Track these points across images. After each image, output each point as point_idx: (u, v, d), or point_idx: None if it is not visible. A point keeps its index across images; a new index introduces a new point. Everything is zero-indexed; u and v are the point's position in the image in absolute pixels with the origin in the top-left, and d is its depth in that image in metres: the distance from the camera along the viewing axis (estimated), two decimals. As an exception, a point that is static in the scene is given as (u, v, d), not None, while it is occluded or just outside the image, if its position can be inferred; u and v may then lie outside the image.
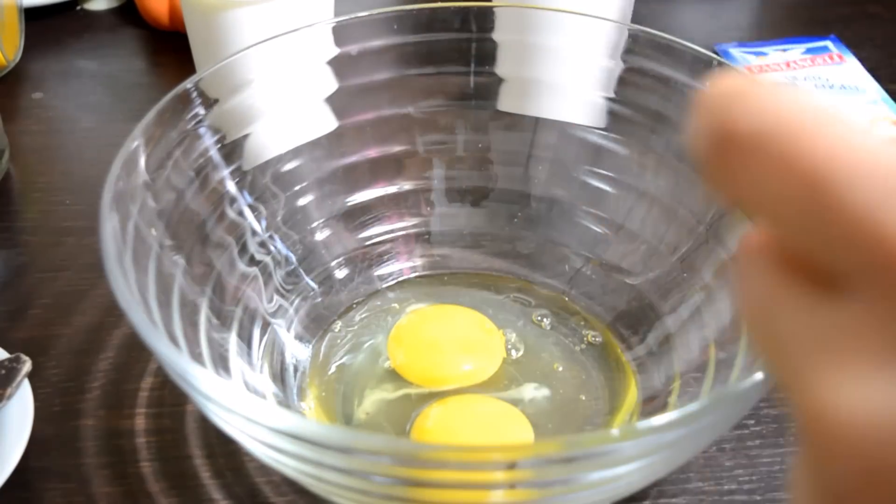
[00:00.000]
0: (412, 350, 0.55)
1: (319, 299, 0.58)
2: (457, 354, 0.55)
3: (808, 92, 0.19)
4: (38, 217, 0.70)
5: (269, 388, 0.51)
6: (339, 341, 0.57)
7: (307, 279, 0.58)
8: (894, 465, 0.16)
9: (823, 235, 0.18)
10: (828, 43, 0.89)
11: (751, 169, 0.19)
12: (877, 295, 0.17)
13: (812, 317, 0.19)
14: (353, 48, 0.57)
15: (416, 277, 0.61)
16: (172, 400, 0.55)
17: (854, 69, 0.85)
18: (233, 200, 0.54)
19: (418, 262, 0.62)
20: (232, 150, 0.54)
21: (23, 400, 0.51)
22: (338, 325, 0.57)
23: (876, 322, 0.17)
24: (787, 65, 0.86)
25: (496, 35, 0.58)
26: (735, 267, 0.21)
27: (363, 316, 0.58)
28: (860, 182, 0.17)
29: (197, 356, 0.46)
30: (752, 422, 0.53)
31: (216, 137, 0.52)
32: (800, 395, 0.18)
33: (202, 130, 0.51)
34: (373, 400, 0.53)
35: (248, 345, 0.52)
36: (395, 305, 0.59)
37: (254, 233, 0.55)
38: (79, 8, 0.95)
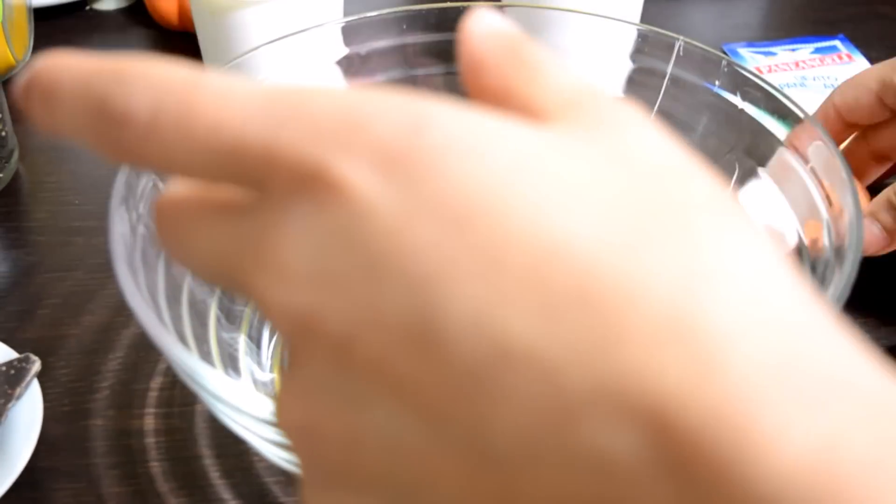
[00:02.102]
0: None
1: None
2: None
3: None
4: (48, 217, 0.70)
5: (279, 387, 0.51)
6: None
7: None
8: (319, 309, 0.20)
9: (235, 167, 0.21)
10: (836, 42, 0.89)
11: (157, 142, 0.21)
12: (280, 192, 0.20)
13: (232, 227, 0.22)
14: (362, 48, 0.57)
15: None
16: (182, 400, 0.55)
17: (863, 69, 0.85)
18: (242, 200, 0.54)
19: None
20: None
21: (32, 400, 0.51)
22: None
23: (279, 220, 0.20)
24: (796, 64, 0.86)
25: (505, 35, 0.58)
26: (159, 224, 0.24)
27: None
28: (250, 118, 0.20)
29: (206, 356, 0.46)
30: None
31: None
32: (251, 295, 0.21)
33: (211, 130, 0.51)
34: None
35: (258, 344, 0.52)
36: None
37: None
38: (88, 8, 0.96)
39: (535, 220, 0.19)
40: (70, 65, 0.22)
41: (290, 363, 0.21)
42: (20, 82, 0.23)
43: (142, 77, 0.21)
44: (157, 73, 0.21)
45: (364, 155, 0.19)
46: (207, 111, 0.20)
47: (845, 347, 0.19)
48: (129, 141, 0.21)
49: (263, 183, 0.21)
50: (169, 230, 0.24)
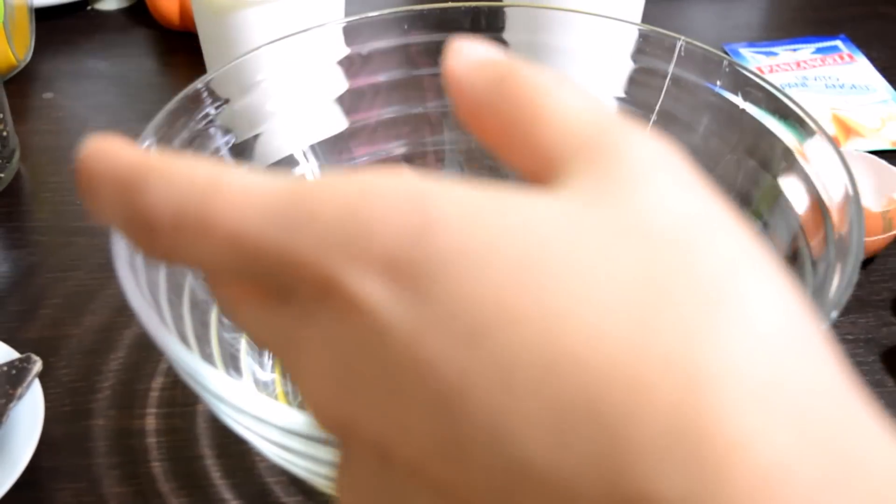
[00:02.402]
0: None
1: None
2: None
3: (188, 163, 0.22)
4: (49, 217, 0.70)
5: (280, 387, 0.51)
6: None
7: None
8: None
9: (259, 268, 0.21)
10: (838, 42, 0.89)
11: (183, 245, 0.21)
12: (305, 297, 0.21)
13: (272, 317, 0.22)
14: (364, 48, 0.57)
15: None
16: (183, 400, 0.55)
17: (864, 69, 0.85)
18: (243, 200, 0.54)
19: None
20: (242, 149, 0.54)
21: (33, 400, 0.51)
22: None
23: (311, 319, 0.21)
24: (798, 64, 0.86)
25: (506, 35, 0.58)
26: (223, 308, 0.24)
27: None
28: (265, 225, 0.20)
29: (207, 356, 0.46)
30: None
31: (227, 137, 0.53)
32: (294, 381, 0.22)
33: (213, 130, 0.52)
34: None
35: (259, 345, 0.52)
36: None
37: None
38: (89, 8, 0.96)
39: (541, 328, 0.18)
40: (104, 158, 0.22)
41: (339, 456, 0.22)
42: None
43: (165, 179, 0.21)
44: (178, 174, 0.21)
45: (372, 267, 0.19)
46: (225, 219, 0.21)
47: (872, 443, 0.18)
48: (158, 242, 0.22)
49: (289, 285, 0.21)
50: (221, 303, 0.24)
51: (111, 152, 0.22)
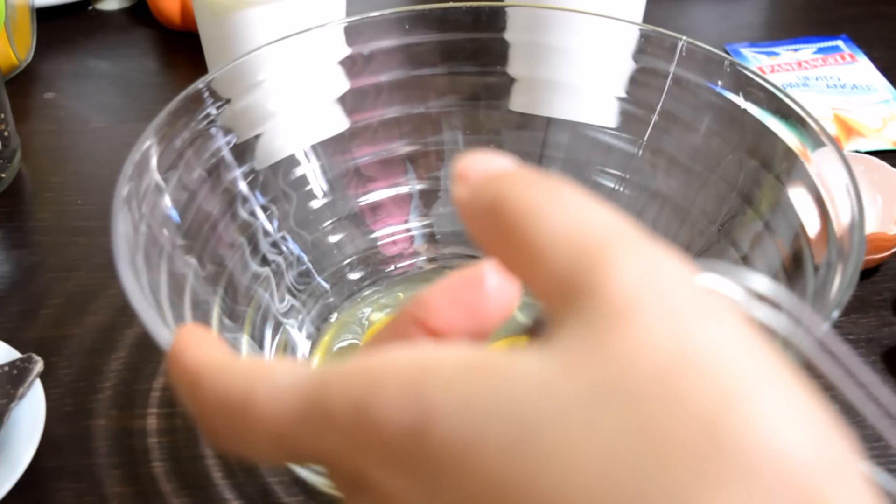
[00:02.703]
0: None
1: (332, 299, 0.58)
2: None
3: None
4: (50, 217, 0.70)
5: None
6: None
7: (319, 279, 0.58)
8: None
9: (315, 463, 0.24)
10: (839, 42, 0.89)
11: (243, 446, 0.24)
12: (353, 487, 0.23)
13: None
14: (365, 48, 0.57)
15: (428, 276, 0.61)
16: (184, 400, 0.55)
17: (865, 69, 0.85)
18: (245, 200, 0.54)
19: (430, 261, 0.62)
20: (244, 149, 0.54)
21: (35, 400, 0.51)
22: (351, 325, 0.57)
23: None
24: (799, 65, 0.86)
25: (508, 35, 0.58)
26: None
27: (377, 316, 0.58)
28: (296, 433, 0.22)
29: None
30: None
31: (228, 137, 0.53)
32: None
33: (214, 130, 0.52)
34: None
35: (261, 345, 0.52)
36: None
37: (266, 233, 0.55)
38: (91, 8, 0.96)
39: None
40: (179, 356, 0.25)
41: None
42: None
43: (210, 389, 0.24)
44: (221, 388, 0.24)
45: (387, 463, 0.21)
46: (266, 430, 0.23)
47: None
48: (219, 440, 0.24)
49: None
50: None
51: (183, 351, 0.25)
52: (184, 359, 0.25)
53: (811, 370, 0.22)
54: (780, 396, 0.18)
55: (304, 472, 0.39)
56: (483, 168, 0.24)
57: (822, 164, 0.46)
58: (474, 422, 0.19)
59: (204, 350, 0.25)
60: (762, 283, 0.23)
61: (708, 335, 0.19)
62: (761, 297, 0.23)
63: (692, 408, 0.18)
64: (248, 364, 0.24)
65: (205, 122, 0.51)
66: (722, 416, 0.18)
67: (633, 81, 0.56)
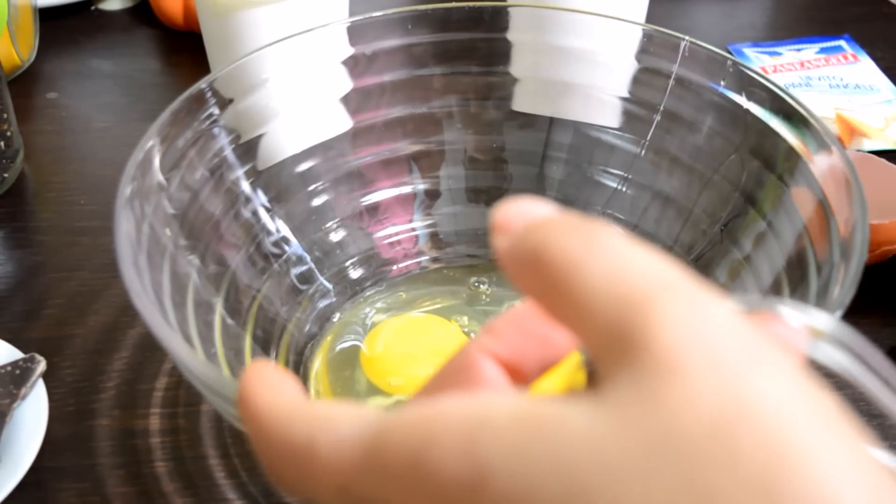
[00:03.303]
0: (379, 366, 0.55)
1: (334, 299, 0.58)
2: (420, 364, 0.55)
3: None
4: (53, 217, 0.70)
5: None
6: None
7: (321, 279, 0.58)
8: None
9: None
10: (842, 42, 0.89)
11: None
12: None
13: None
14: (368, 48, 0.57)
15: (431, 276, 0.61)
16: (187, 400, 0.55)
17: (868, 69, 0.85)
18: (247, 200, 0.54)
19: (434, 261, 0.62)
20: (246, 149, 0.54)
21: (37, 400, 0.51)
22: (353, 325, 0.57)
23: None
24: (801, 64, 0.86)
25: (511, 35, 0.58)
26: None
27: (379, 317, 0.58)
28: (358, 485, 0.23)
29: (211, 356, 0.46)
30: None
31: (231, 137, 0.53)
32: None
33: (217, 130, 0.52)
34: (385, 402, 0.53)
35: (263, 345, 0.52)
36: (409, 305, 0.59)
37: (268, 233, 0.55)
38: (93, 8, 0.96)
39: None
40: (245, 402, 0.25)
41: None
42: None
43: (276, 436, 0.24)
44: (284, 432, 0.24)
45: None
46: (329, 479, 0.23)
47: None
48: (286, 485, 0.25)
49: None
50: None
51: (250, 394, 0.25)
52: (250, 403, 0.25)
53: (870, 406, 0.21)
54: (837, 451, 0.18)
55: None
56: (522, 217, 0.24)
57: (824, 164, 0.46)
58: (529, 477, 0.19)
59: (271, 393, 0.25)
60: (821, 319, 0.23)
61: (759, 387, 0.19)
62: (820, 334, 0.23)
63: (746, 466, 0.18)
64: (312, 411, 0.24)
65: (208, 122, 0.51)
66: (779, 475, 0.17)
67: (636, 81, 0.56)
